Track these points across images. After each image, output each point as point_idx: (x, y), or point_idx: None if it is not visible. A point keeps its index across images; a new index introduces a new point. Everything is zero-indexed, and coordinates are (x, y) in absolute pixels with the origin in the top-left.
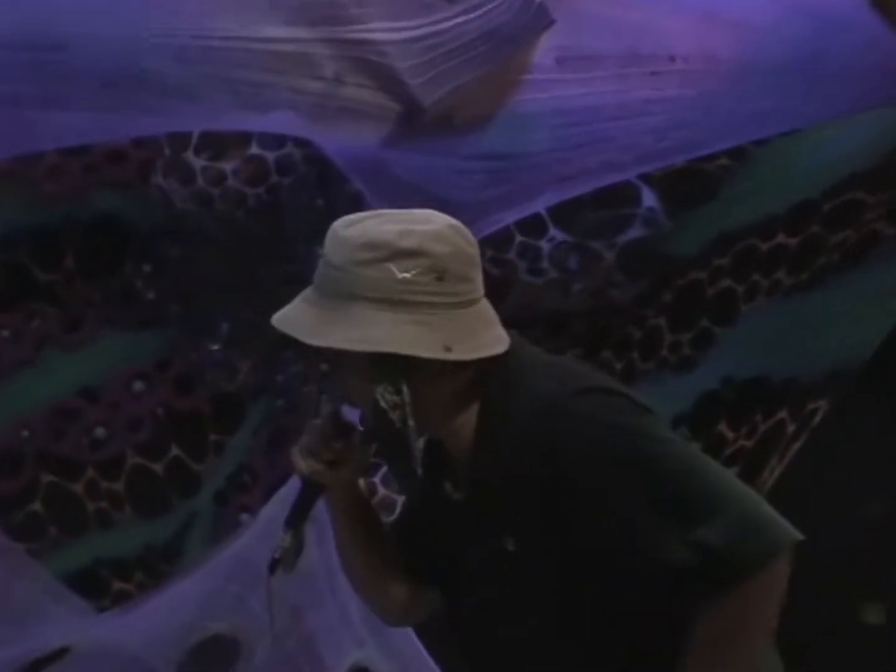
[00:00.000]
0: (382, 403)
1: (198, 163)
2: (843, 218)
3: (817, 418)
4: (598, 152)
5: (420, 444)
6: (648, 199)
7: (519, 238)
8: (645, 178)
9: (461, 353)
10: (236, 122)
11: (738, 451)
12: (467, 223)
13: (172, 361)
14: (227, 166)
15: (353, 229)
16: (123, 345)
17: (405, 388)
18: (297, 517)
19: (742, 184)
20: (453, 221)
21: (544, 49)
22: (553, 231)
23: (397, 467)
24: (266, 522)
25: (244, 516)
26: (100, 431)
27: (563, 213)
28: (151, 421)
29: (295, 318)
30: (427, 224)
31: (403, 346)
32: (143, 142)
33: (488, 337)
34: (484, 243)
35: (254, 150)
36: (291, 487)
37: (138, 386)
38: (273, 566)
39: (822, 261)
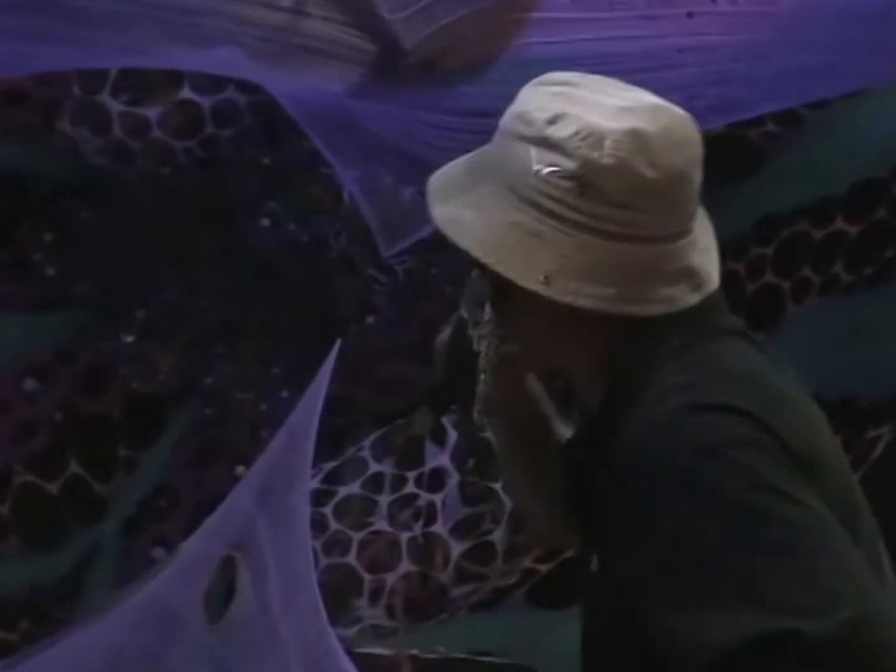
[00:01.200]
0: (464, 311)
1: (115, 107)
2: None
3: (879, 449)
4: None
5: (485, 380)
6: None
7: None
8: None
9: (561, 292)
10: (165, 59)
11: None
12: None
13: (76, 354)
14: (152, 113)
15: (528, 92)
16: (14, 331)
17: (489, 305)
18: (439, 400)
19: (792, 156)
20: (656, 128)
21: None
22: None
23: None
24: (188, 559)
25: (159, 551)
26: None
27: None
28: (46, 428)
29: (450, 172)
30: (608, 118)
31: (497, 254)
32: (48, 79)
33: (631, 290)
34: None
35: (185, 93)
36: (223, 517)
37: (31, 383)
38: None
39: (890, 253)
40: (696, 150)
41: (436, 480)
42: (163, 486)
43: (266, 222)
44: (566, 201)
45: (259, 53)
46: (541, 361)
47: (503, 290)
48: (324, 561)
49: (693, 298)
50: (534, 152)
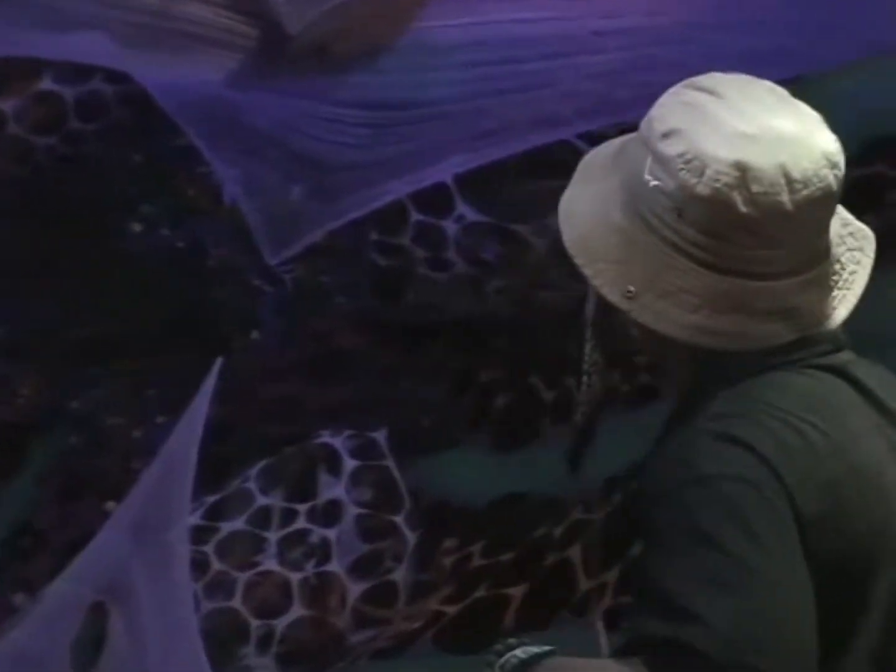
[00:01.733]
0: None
1: None
2: (860, 198)
3: None
4: (528, 102)
5: (587, 382)
6: None
7: (415, 216)
8: (592, 137)
9: (642, 309)
10: (23, 46)
11: None
12: (343, 192)
13: None
14: (7, 106)
15: (670, 94)
16: None
17: (589, 304)
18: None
19: None
20: (766, 163)
21: None
22: (462, 208)
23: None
24: (53, 605)
25: (21, 596)
26: None
27: (477, 185)
28: None
29: (599, 154)
30: (726, 145)
31: (588, 252)
32: None
33: (715, 322)
34: (367, 222)
35: (46, 84)
36: (92, 558)
37: None
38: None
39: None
40: (821, 190)
41: (330, 514)
42: (25, 524)
43: (138, 227)
44: (665, 219)
45: (128, 39)
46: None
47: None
48: (206, 605)
49: (787, 337)
50: (649, 160)
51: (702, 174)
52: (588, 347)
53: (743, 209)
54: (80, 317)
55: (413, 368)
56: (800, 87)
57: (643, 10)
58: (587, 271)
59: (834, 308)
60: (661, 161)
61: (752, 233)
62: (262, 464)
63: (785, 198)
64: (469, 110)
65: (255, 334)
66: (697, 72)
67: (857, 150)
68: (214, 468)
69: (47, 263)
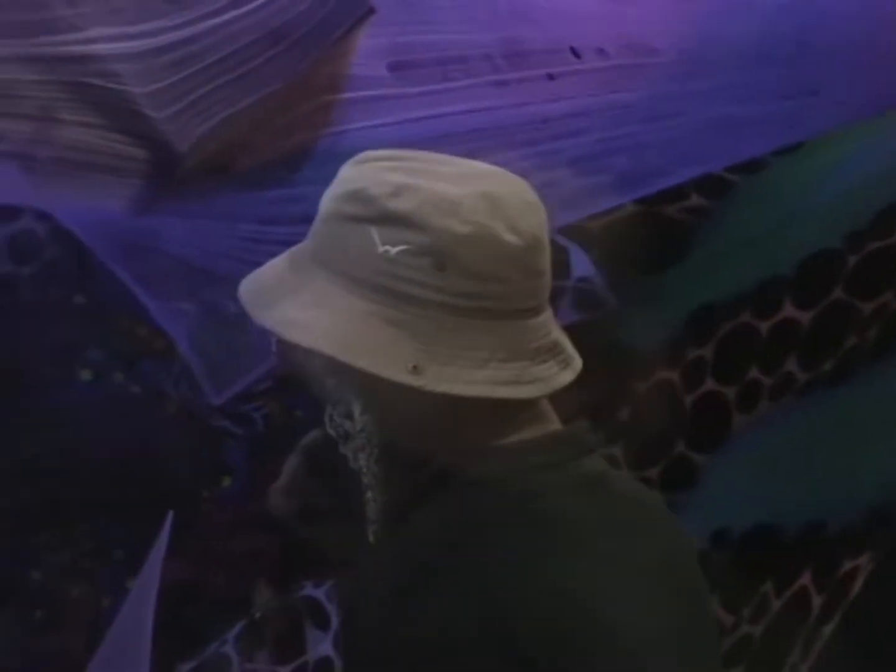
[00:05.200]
0: (330, 430)
1: None
2: (878, 275)
3: (857, 583)
4: None
5: (373, 497)
6: (580, 264)
7: None
8: (570, 232)
9: (433, 381)
10: None
11: (742, 641)
12: None
13: None
14: None
15: (355, 169)
16: None
17: (358, 412)
18: (280, 573)
19: (725, 233)
20: (506, 191)
21: (370, 52)
22: None
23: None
24: None
25: None
26: None
27: None
28: None
29: (264, 277)
30: (453, 185)
31: (350, 349)
32: None
33: (504, 372)
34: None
35: None
36: None
37: None
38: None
39: (851, 341)
40: (544, 213)
41: None
42: None
43: (87, 375)
44: (423, 281)
45: (28, 172)
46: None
47: (371, 391)
48: None
49: (566, 377)
50: (376, 233)
51: (456, 214)
52: (364, 459)
53: (507, 238)
54: (29, 480)
55: None
56: (798, 154)
57: (592, 90)
58: (361, 364)
59: (569, 343)
60: (400, 220)
61: (517, 264)
62: (240, 624)
63: (534, 221)
64: None
65: (226, 481)
66: (675, 148)
67: (873, 219)
68: (187, 633)
69: None
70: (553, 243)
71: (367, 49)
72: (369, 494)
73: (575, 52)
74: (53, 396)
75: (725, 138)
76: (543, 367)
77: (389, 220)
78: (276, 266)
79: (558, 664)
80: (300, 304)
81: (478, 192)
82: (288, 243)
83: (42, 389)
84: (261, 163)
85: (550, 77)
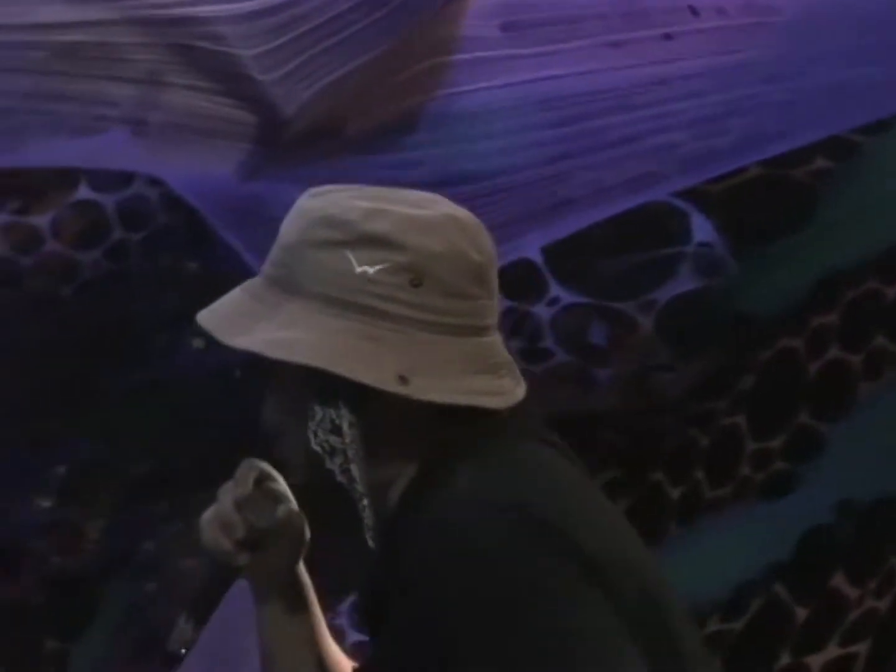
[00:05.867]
0: (315, 446)
1: None
2: None
3: None
4: (604, 164)
5: (367, 505)
6: (701, 229)
7: (504, 303)
8: (692, 196)
9: (421, 390)
10: (48, 154)
11: (866, 615)
12: None
13: None
14: (43, 220)
15: (316, 200)
16: None
17: (347, 425)
18: (203, 604)
19: (852, 196)
20: (463, 214)
21: (482, 12)
22: (556, 289)
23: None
24: None
25: None
26: None
27: (569, 260)
28: None
29: (220, 309)
30: (417, 208)
31: (340, 361)
32: None
33: (476, 383)
34: None
35: (83, 193)
36: None
37: None
38: (171, 661)
39: None
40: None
41: None
42: None
43: (199, 343)
44: (400, 298)
45: (137, 138)
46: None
47: (358, 403)
48: None
49: (520, 392)
50: (352, 255)
51: (431, 232)
52: (355, 470)
53: (476, 257)
54: (142, 450)
55: None
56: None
57: (709, 50)
58: (353, 374)
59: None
60: (377, 241)
61: (481, 282)
62: (352, 597)
63: (490, 242)
64: (537, 179)
65: None
66: (802, 111)
67: None
68: None
69: (100, 394)
70: (672, 207)
71: (479, 9)
72: (365, 502)
73: (693, 11)
74: (165, 365)
75: (850, 100)
76: (504, 382)
77: (365, 241)
78: (233, 299)
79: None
80: (278, 326)
81: (444, 213)
82: None
83: (154, 358)
84: (372, 126)
85: (668, 37)
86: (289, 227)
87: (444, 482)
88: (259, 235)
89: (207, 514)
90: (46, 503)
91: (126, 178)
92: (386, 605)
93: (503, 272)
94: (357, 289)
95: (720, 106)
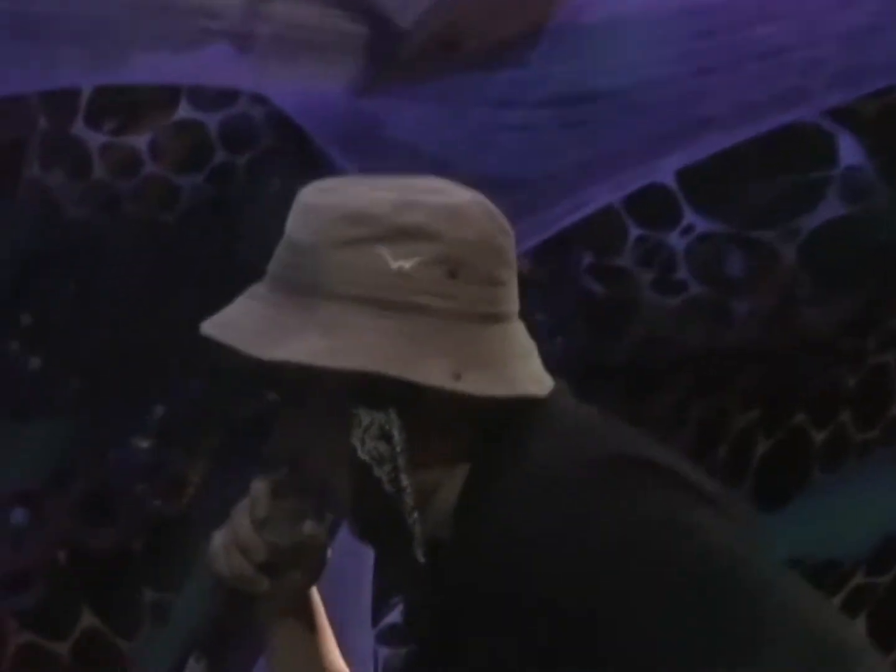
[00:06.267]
0: (363, 455)
1: (94, 139)
2: None
3: None
4: (748, 79)
5: (416, 518)
6: (850, 152)
7: (635, 231)
8: (841, 115)
9: (475, 385)
10: (146, 70)
11: None
12: (534, 210)
13: (75, 470)
14: (141, 142)
15: (330, 196)
16: None
17: (396, 431)
18: (216, 641)
19: None
20: (478, 196)
21: None
22: (691, 217)
23: (388, 562)
24: None
25: None
26: None
27: (705, 185)
28: (46, 571)
29: (237, 321)
30: (440, 195)
31: (390, 363)
32: (3, 110)
33: (520, 371)
34: (576, 243)
35: (183, 112)
36: None
37: (19, 515)
38: None
39: None
40: None
41: None
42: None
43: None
44: (438, 291)
45: (238, 51)
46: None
47: (410, 406)
48: None
49: (549, 378)
50: (385, 251)
51: (463, 220)
52: (405, 479)
53: (502, 241)
54: (243, 389)
55: (646, 419)
56: None
57: None
58: (411, 375)
59: None
60: (412, 233)
61: (508, 265)
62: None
63: (506, 220)
64: (676, 95)
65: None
66: None
67: None
68: None
69: (197, 328)
70: (819, 128)
71: None
72: (415, 515)
73: None
74: None
75: None
76: (538, 367)
77: (400, 235)
78: (245, 309)
79: None
80: (317, 334)
81: (466, 197)
82: (524, 128)
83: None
84: (492, 41)
85: None
86: (301, 227)
87: (512, 466)
88: (373, 158)
89: (220, 539)
90: (145, 444)
91: (230, 95)
92: (456, 619)
93: (634, 198)
94: (394, 286)
95: (876, 16)
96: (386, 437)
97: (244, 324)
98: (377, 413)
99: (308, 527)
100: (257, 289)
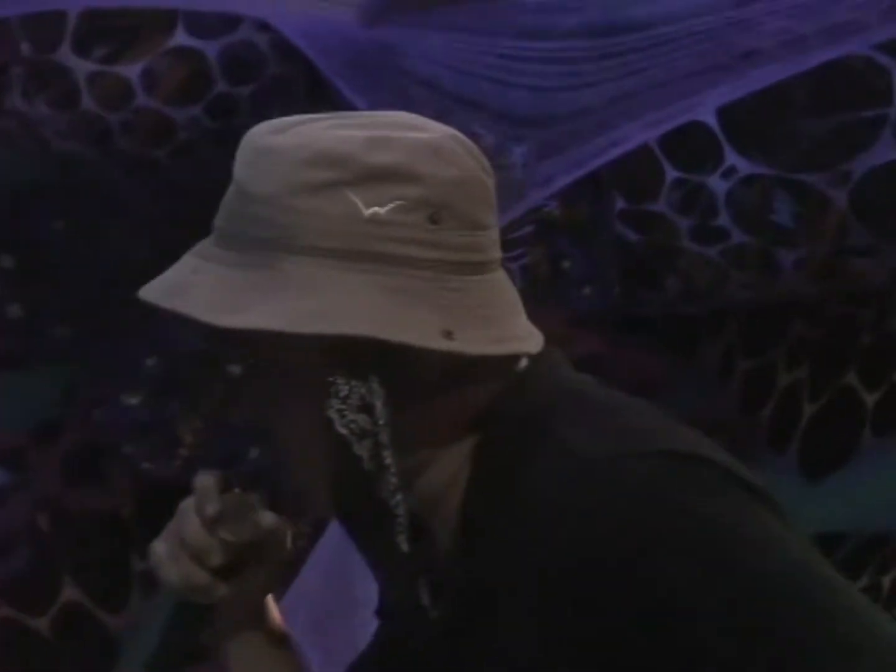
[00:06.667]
0: (341, 428)
1: (82, 67)
2: None
3: None
4: (795, 9)
5: (400, 500)
6: None
7: (672, 173)
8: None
9: (469, 343)
10: None
11: None
12: (563, 148)
13: (60, 427)
14: (134, 71)
15: (287, 137)
16: None
17: (379, 401)
18: (167, 659)
19: None
20: (455, 131)
21: None
22: (734, 158)
23: (366, 549)
24: None
25: None
26: None
27: (749, 125)
28: (25, 538)
29: (185, 284)
30: (415, 131)
31: (378, 324)
32: None
33: (513, 327)
34: (609, 186)
35: (180, 38)
36: None
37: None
38: None
39: None
40: None
41: None
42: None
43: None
44: (419, 239)
45: None
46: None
47: (396, 371)
48: None
49: (539, 334)
50: (356, 195)
51: (440, 157)
52: (389, 456)
53: (485, 178)
54: None
55: (685, 376)
56: None
57: None
58: (401, 337)
59: None
60: (384, 176)
61: (492, 208)
62: None
63: (482, 158)
64: (715, 26)
65: None
66: None
67: None
68: None
69: None
70: (873, 62)
71: None
72: (398, 497)
73: None
74: None
75: None
76: (526, 320)
77: (371, 177)
78: (193, 266)
79: None
80: (284, 295)
81: (446, 133)
82: (554, 60)
83: None
84: None
85: None
86: (256, 174)
87: (539, 454)
88: (388, 90)
89: (164, 545)
90: (134, 400)
91: (231, 21)
92: (492, 607)
93: (672, 137)
94: (368, 234)
95: None
96: (367, 408)
97: (195, 287)
98: (356, 381)
99: (267, 518)
100: (204, 247)
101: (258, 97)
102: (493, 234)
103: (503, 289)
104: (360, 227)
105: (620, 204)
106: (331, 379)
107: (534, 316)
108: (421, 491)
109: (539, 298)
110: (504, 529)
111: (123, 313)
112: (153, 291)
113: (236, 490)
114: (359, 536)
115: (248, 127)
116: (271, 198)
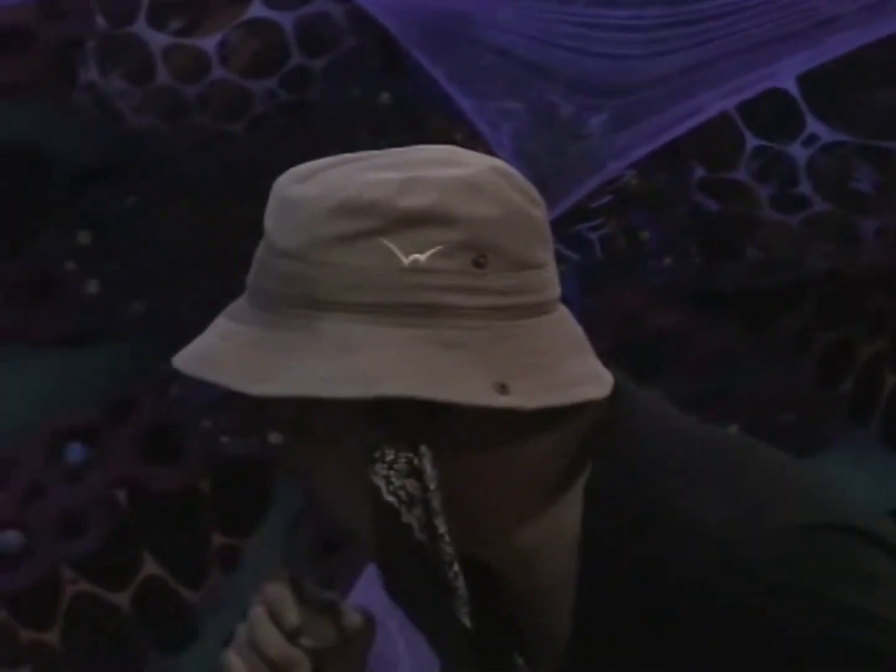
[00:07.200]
0: (387, 496)
1: (157, 40)
2: None
3: None
4: None
5: (457, 571)
6: None
7: (752, 141)
8: None
9: (526, 396)
10: None
11: None
12: (639, 118)
13: (135, 403)
14: (209, 43)
15: (312, 185)
16: (44, 374)
17: (428, 465)
18: None
19: None
20: (495, 161)
21: None
22: (815, 125)
23: (423, 626)
24: None
25: None
26: (9, 537)
27: (830, 91)
28: (104, 514)
29: (216, 351)
30: (449, 167)
31: (423, 383)
32: (61, 8)
33: (574, 369)
34: (687, 154)
35: (256, 10)
36: None
37: (75, 451)
38: None
39: None
40: None
41: None
42: None
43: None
44: (463, 284)
45: None
46: (466, 520)
47: (445, 432)
48: None
49: (607, 374)
50: (391, 243)
51: (480, 194)
52: (442, 525)
53: (534, 212)
54: None
55: (763, 349)
56: None
57: None
58: (448, 395)
59: None
60: (419, 221)
61: (544, 242)
62: None
63: (534, 188)
64: None
65: None
66: None
67: None
68: None
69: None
70: None
71: None
72: (455, 568)
73: None
74: None
75: None
76: (594, 359)
77: (406, 222)
78: (226, 331)
79: None
80: (319, 357)
81: (483, 165)
82: (629, 28)
83: None
84: None
85: None
86: (284, 227)
87: (659, 532)
88: (463, 61)
89: (241, 661)
90: None
91: None
92: None
93: (752, 104)
94: (409, 284)
95: None
96: (415, 473)
97: (226, 352)
98: (402, 445)
99: (354, 619)
100: (237, 307)
101: (333, 69)
102: (548, 272)
103: (563, 330)
104: (399, 278)
105: (700, 172)
106: (374, 443)
107: (611, 290)
108: (507, 558)
109: (617, 271)
110: (636, 636)
111: (199, 288)
112: (184, 359)
113: (310, 589)
114: (412, 612)
115: (322, 101)
116: (300, 251)
